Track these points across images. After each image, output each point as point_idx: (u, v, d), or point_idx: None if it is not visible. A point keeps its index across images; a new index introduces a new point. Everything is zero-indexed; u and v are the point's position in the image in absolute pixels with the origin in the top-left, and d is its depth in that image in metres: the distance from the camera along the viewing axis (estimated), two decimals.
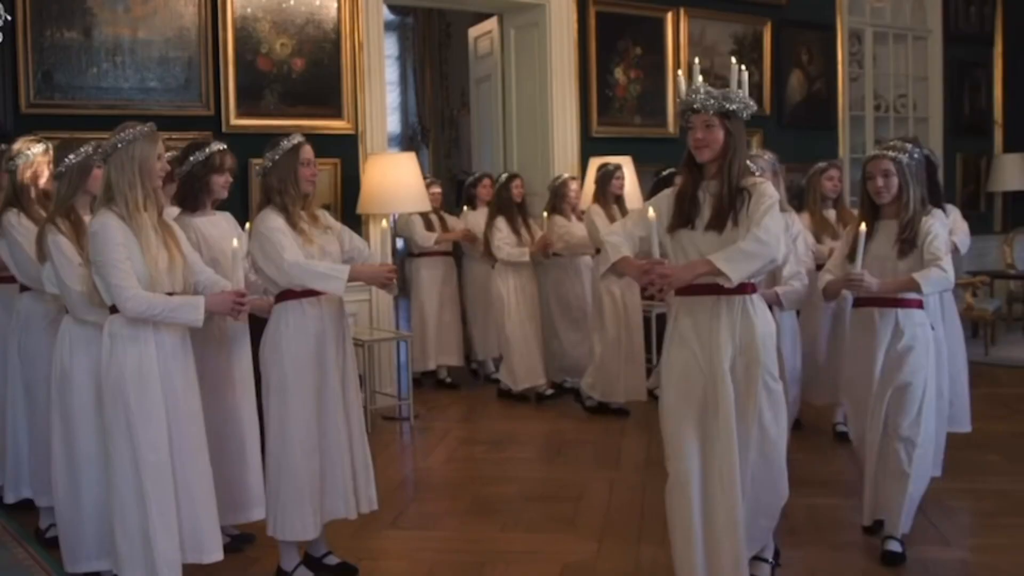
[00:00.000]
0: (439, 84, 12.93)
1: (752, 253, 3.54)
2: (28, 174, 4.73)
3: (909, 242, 4.30)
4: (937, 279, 4.18)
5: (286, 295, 4.11)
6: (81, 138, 4.36)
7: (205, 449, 3.88)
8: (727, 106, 3.65)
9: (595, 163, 7.26)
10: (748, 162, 3.96)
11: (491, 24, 8.72)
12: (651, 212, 3.75)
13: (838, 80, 9.80)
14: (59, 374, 4.12)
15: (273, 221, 4.09)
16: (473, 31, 9.18)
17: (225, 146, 4.58)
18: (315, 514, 4.12)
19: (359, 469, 4.23)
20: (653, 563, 4.24)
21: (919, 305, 4.33)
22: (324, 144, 6.57)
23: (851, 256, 4.33)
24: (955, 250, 4.97)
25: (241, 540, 4.60)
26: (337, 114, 6.95)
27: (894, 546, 4.24)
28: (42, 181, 4.74)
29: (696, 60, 4.07)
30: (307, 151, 4.23)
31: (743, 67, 3.87)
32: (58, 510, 4.16)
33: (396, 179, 6.87)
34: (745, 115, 3.71)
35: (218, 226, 4.50)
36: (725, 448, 3.65)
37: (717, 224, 3.67)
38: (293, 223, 4.12)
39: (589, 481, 5.46)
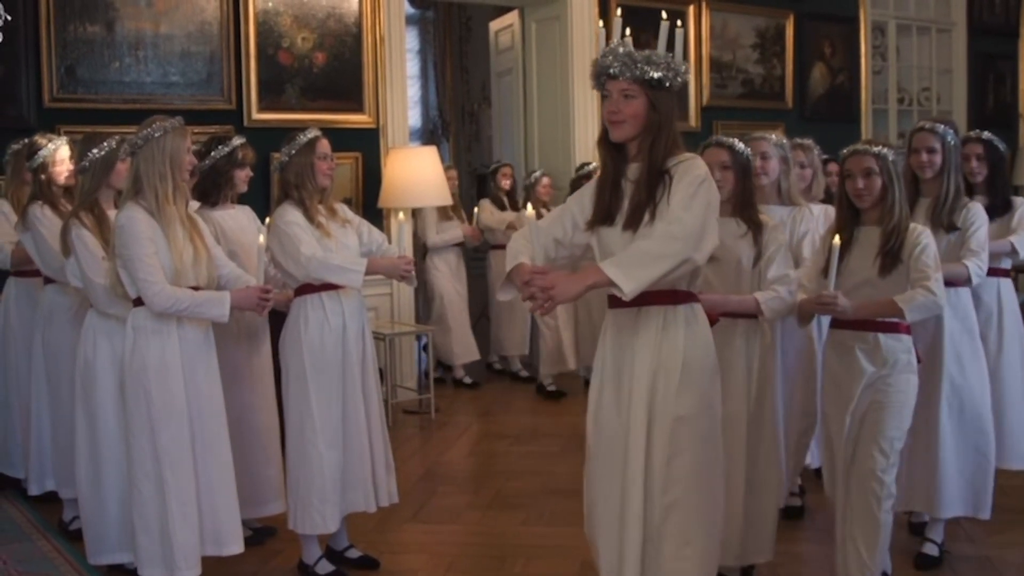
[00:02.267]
0: (459, 78, 12.91)
1: (654, 254, 2.90)
2: (52, 168, 4.76)
3: (893, 255, 3.69)
4: (924, 304, 3.59)
5: (305, 289, 4.11)
6: (104, 132, 4.38)
7: (227, 443, 3.89)
8: (650, 73, 3.04)
9: None
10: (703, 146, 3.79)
11: (512, 18, 8.70)
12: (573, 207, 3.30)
13: (861, 73, 9.73)
14: (83, 367, 4.14)
15: (291, 215, 4.10)
16: (494, 25, 9.17)
17: (246, 140, 4.60)
18: (335, 507, 4.13)
19: (379, 462, 4.24)
20: None
21: (907, 329, 3.72)
22: (345, 138, 6.59)
23: (825, 270, 3.73)
24: (1012, 251, 4.54)
25: (263, 533, 4.62)
26: (358, 108, 6.95)
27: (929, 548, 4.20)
28: (65, 175, 4.77)
29: (619, 11, 3.42)
30: (323, 145, 4.24)
31: (678, 23, 3.34)
32: (81, 502, 4.18)
33: (417, 173, 6.88)
34: (674, 84, 3.09)
35: (237, 220, 4.52)
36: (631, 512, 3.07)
37: (633, 219, 3.06)
38: (311, 217, 4.13)
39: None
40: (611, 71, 3.06)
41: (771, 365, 4.08)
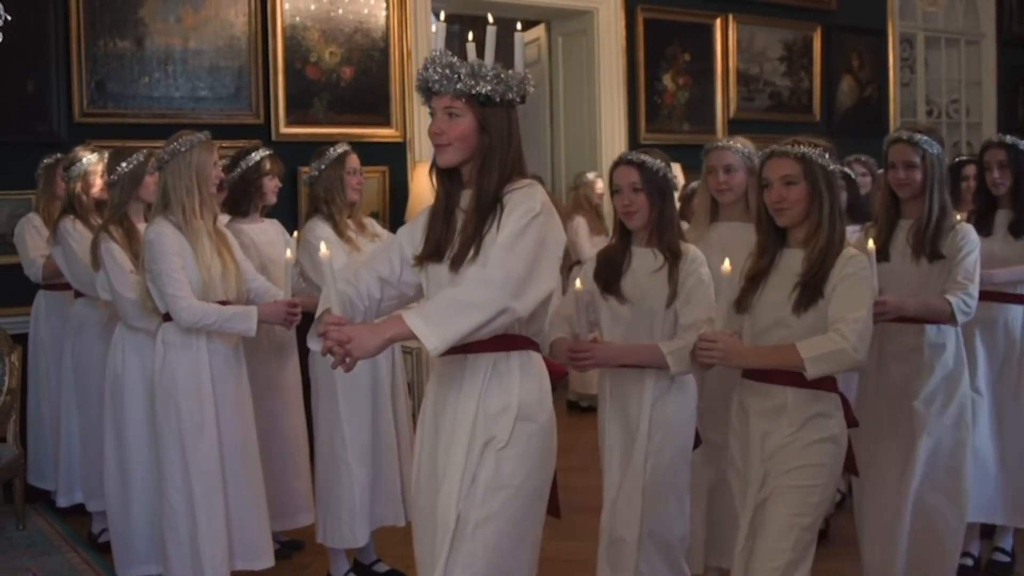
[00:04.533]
0: None
1: (463, 303, 2.44)
2: (83, 182, 4.80)
3: (812, 288, 2.93)
4: (830, 355, 2.82)
5: None
6: (133, 147, 4.41)
7: (256, 457, 3.90)
8: (475, 87, 2.59)
9: None
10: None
11: (539, 31, 8.71)
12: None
13: (889, 86, 9.67)
14: (112, 380, 4.16)
15: (320, 230, 4.12)
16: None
17: (273, 152, 4.62)
18: (364, 522, 4.14)
19: (408, 477, 4.23)
20: None
21: (830, 384, 2.98)
22: (372, 152, 6.59)
23: (738, 303, 3.10)
24: None
25: (290, 547, 4.62)
26: (385, 122, 6.96)
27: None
28: (96, 189, 4.81)
29: (441, 16, 2.96)
30: (353, 160, 4.26)
31: (518, 26, 2.96)
32: (110, 515, 4.19)
33: None
34: (507, 99, 2.64)
35: (266, 233, 4.53)
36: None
37: (459, 257, 2.61)
38: (340, 231, 4.14)
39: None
40: (431, 86, 2.63)
41: (689, 419, 3.45)
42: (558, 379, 2.79)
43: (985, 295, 3.88)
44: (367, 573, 4.30)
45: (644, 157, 3.33)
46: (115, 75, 5.97)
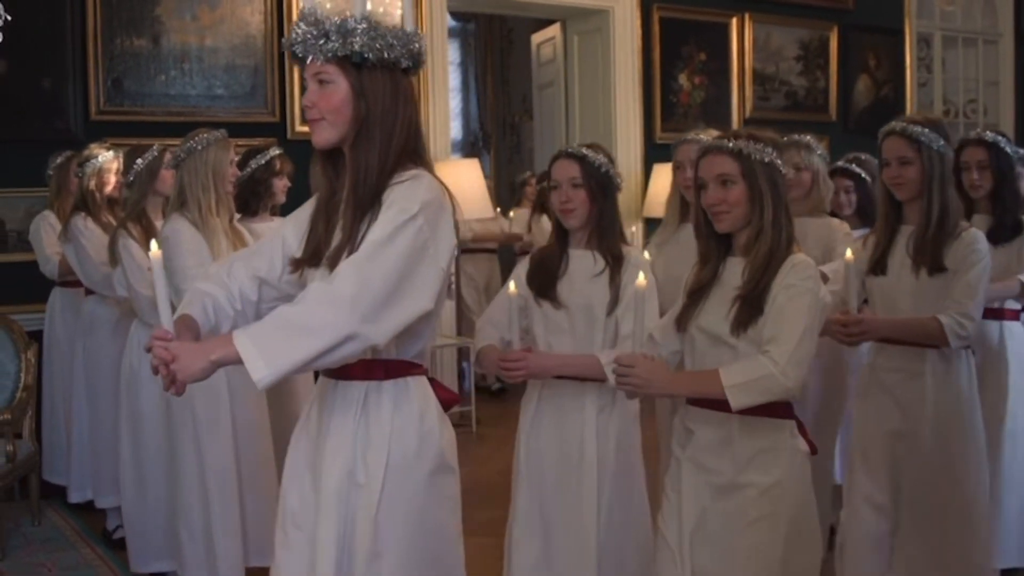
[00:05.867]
0: (500, 90, 12.93)
1: (300, 326, 2.03)
2: (96, 180, 4.82)
3: (752, 305, 2.52)
4: (754, 383, 2.42)
5: None
6: (149, 144, 4.42)
7: (271, 453, 3.91)
8: (347, 46, 2.17)
9: (659, 170, 7.23)
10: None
11: (554, 30, 8.70)
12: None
13: (906, 85, 9.63)
14: (127, 376, 4.18)
15: None
16: (536, 37, 9.17)
17: (283, 151, 4.64)
18: None
19: None
20: None
21: (784, 411, 2.58)
22: None
23: (679, 320, 2.75)
24: (1022, 292, 3.73)
25: None
26: None
27: None
28: (109, 187, 4.82)
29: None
30: None
31: None
32: (125, 511, 4.21)
33: (459, 185, 6.86)
34: (389, 60, 2.20)
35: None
36: None
37: (333, 260, 2.20)
38: None
39: (655, 495, 5.40)
40: (295, 50, 2.21)
41: (635, 437, 3.19)
42: (448, 406, 2.40)
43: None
44: None
45: (586, 151, 3.09)
46: (131, 73, 5.98)
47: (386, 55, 2.19)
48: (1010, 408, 3.84)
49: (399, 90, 2.23)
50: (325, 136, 2.22)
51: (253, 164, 4.51)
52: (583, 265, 3.07)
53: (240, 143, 5.69)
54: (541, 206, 7.84)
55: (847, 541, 3.37)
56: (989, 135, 3.87)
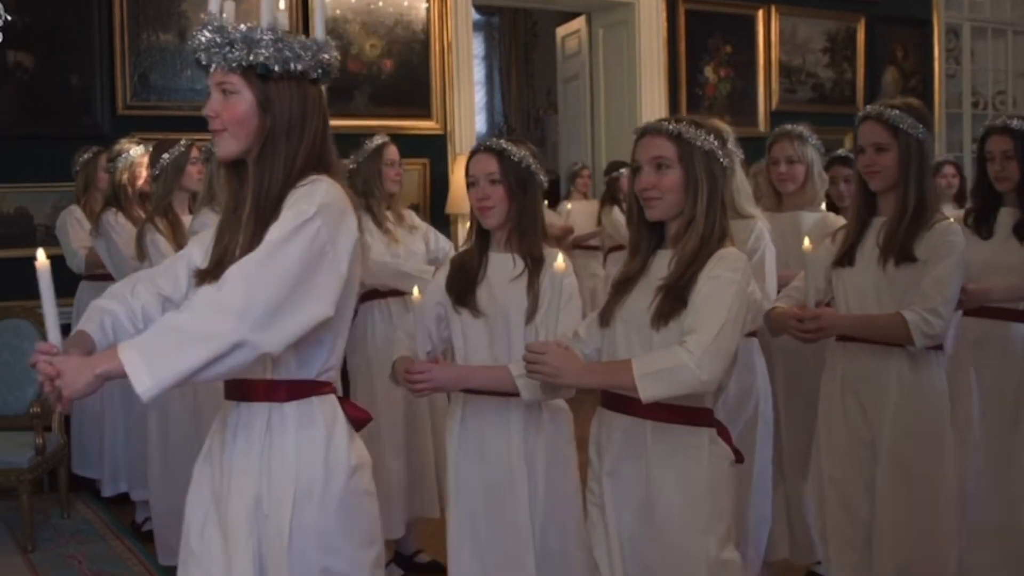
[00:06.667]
0: (525, 83, 12.93)
1: (187, 334, 1.91)
2: (126, 175, 4.84)
3: (674, 298, 2.38)
4: (666, 374, 2.26)
5: (372, 295, 4.13)
6: (176, 139, 4.44)
7: None
8: (249, 56, 2.08)
9: None
10: None
11: (579, 23, 8.68)
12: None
13: (934, 77, 9.55)
14: None
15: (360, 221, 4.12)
16: (561, 30, 9.15)
17: None
18: (402, 512, 4.15)
19: (442, 469, 4.24)
20: None
21: (703, 418, 2.45)
22: (413, 144, 6.61)
23: (602, 316, 2.59)
24: None
25: None
26: (426, 114, 6.96)
27: None
28: (140, 182, 4.85)
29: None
30: (391, 151, 4.25)
31: None
32: (154, 504, 4.24)
33: None
34: (299, 72, 2.12)
35: None
36: None
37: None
38: (379, 223, 4.14)
39: None
40: (199, 58, 2.12)
41: (569, 458, 2.94)
42: (360, 426, 2.30)
43: (980, 311, 3.40)
44: (409, 564, 4.31)
45: (505, 145, 2.85)
46: (158, 68, 6.01)
47: (292, 67, 2.11)
48: None
49: (307, 101, 2.14)
50: (228, 148, 2.14)
51: None
52: (502, 269, 2.84)
53: None
54: (612, 197, 7.71)
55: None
56: (1015, 122, 3.57)
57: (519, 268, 2.81)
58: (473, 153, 2.90)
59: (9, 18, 5.18)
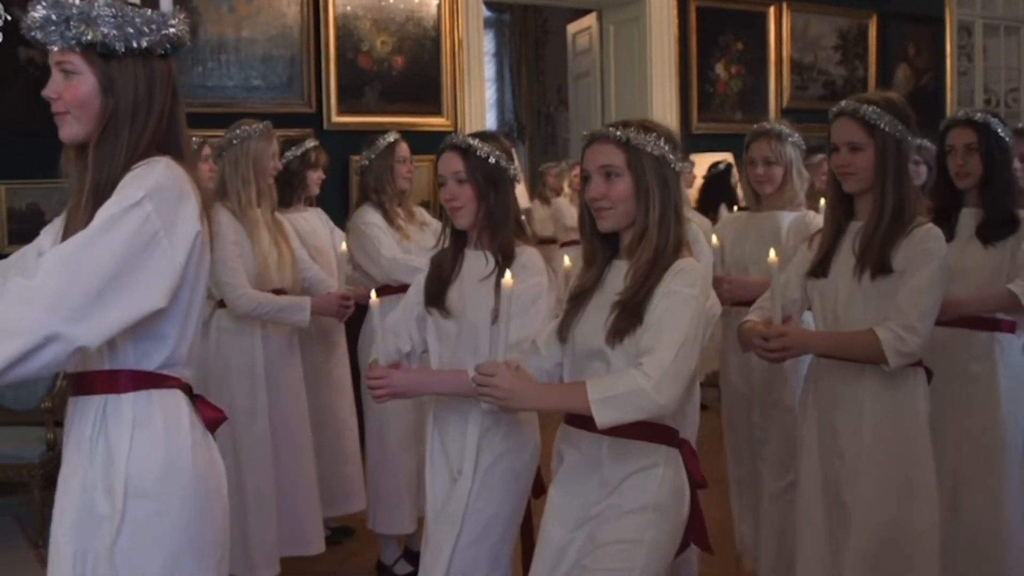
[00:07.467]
0: (535, 80, 12.93)
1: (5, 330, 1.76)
2: None
3: (631, 312, 2.28)
4: (627, 396, 2.16)
5: (384, 291, 4.12)
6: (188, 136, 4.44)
7: (309, 444, 3.94)
8: (87, 34, 1.93)
9: (695, 160, 7.21)
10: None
11: (590, 20, 8.67)
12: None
13: (946, 74, 9.52)
14: None
15: (371, 217, 4.13)
16: (572, 27, 9.14)
17: (318, 143, 4.65)
18: (412, 508, 4.15)
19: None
20: None
21: (662, 434, 2.35)
22: (423, 141, 6.60)
23: (560, 328, 2.51)
24: (1013, 303, 3.19)
25: (340, 533, 4.65)
26: (436, 111, 6.97)
27: None
28: None
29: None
30: (403, 148, 4.26)
31: None
32: None
33: None
34: (143, 49, 1.99)
35: (310, 222, 4.57)
36: None
37: None
38: (390, 219, 4.16)
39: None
40: (34, 35, 1.96)
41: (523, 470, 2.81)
42: (214, 426, 2.15)
43: (947, 320, 3.08)
44: (418, 560, 4.30)
45: (472, 142, 2.75)
46: None
47: (135, 43, 1.96)
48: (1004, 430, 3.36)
49: (154, 79, 2.01)
50: (72, 131, 2.00)
51: (288, 156, 4.53)
52: (475, 267, 2.76)
53: (276, 134, 5.74)
54: None
55: None
56: (980, 115, 3.37)
57: (491, 266, 2.71)
58: (440, 152, 2.82)
59: (9, 18, 5.18)
